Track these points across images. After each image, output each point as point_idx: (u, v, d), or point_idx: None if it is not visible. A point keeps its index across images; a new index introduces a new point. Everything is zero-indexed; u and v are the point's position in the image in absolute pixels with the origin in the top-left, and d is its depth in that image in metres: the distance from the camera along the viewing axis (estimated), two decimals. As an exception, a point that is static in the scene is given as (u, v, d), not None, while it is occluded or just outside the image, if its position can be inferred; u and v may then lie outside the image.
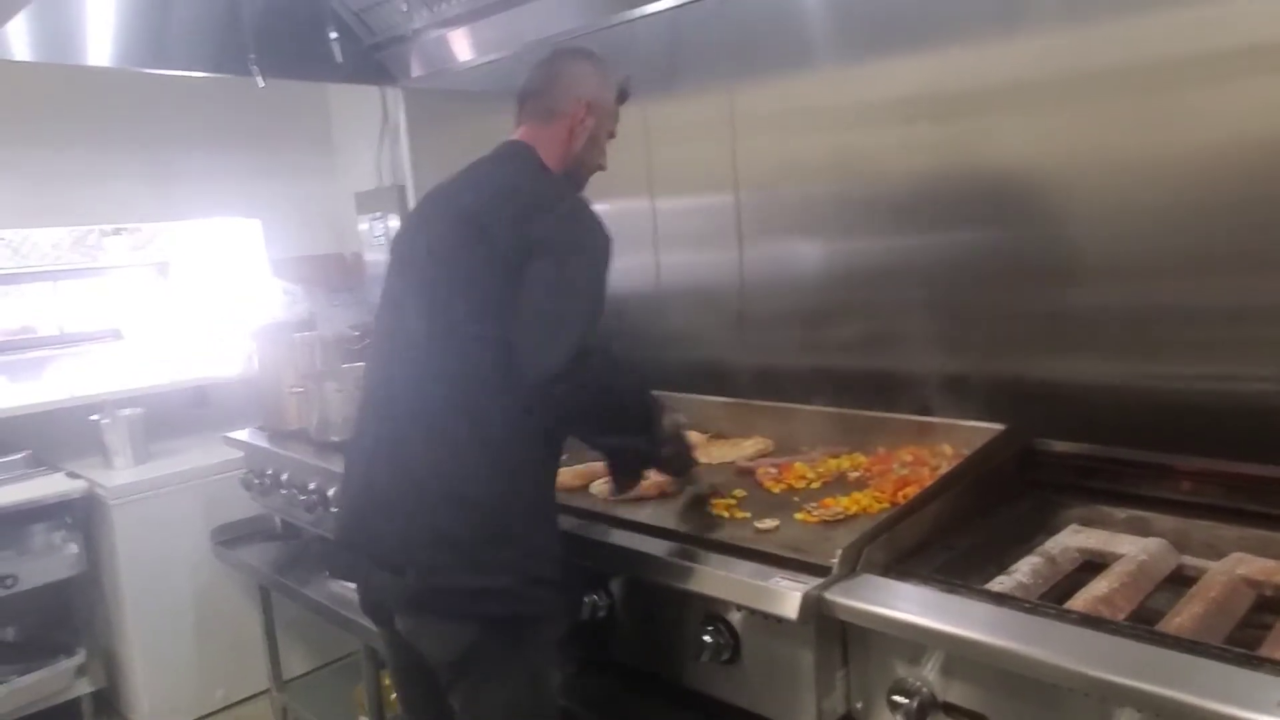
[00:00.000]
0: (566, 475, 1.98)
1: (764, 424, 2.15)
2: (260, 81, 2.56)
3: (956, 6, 1.87)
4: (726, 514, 1.66)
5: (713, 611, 1.40)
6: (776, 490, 1.78)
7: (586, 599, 1.57)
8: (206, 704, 2.97)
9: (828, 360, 2.20)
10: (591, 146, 1.71)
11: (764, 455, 2.02)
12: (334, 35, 2.44)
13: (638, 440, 1.58)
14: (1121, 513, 1.63)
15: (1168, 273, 1.67)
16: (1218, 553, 1.49)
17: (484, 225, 1.52)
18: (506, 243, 1.48)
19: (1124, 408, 1.72)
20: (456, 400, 1.49)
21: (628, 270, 2.65)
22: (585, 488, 1.89)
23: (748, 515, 1.64)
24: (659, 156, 2.53)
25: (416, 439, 1.51)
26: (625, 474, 1.64)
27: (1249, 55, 1.54)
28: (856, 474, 1.82)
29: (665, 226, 2.56)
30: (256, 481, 2.62)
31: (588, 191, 1.73)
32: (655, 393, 1.63)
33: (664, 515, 1.67)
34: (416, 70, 3.23)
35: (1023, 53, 1.79)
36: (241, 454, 2.75)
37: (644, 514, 1.68)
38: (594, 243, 1.53)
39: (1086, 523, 1.64)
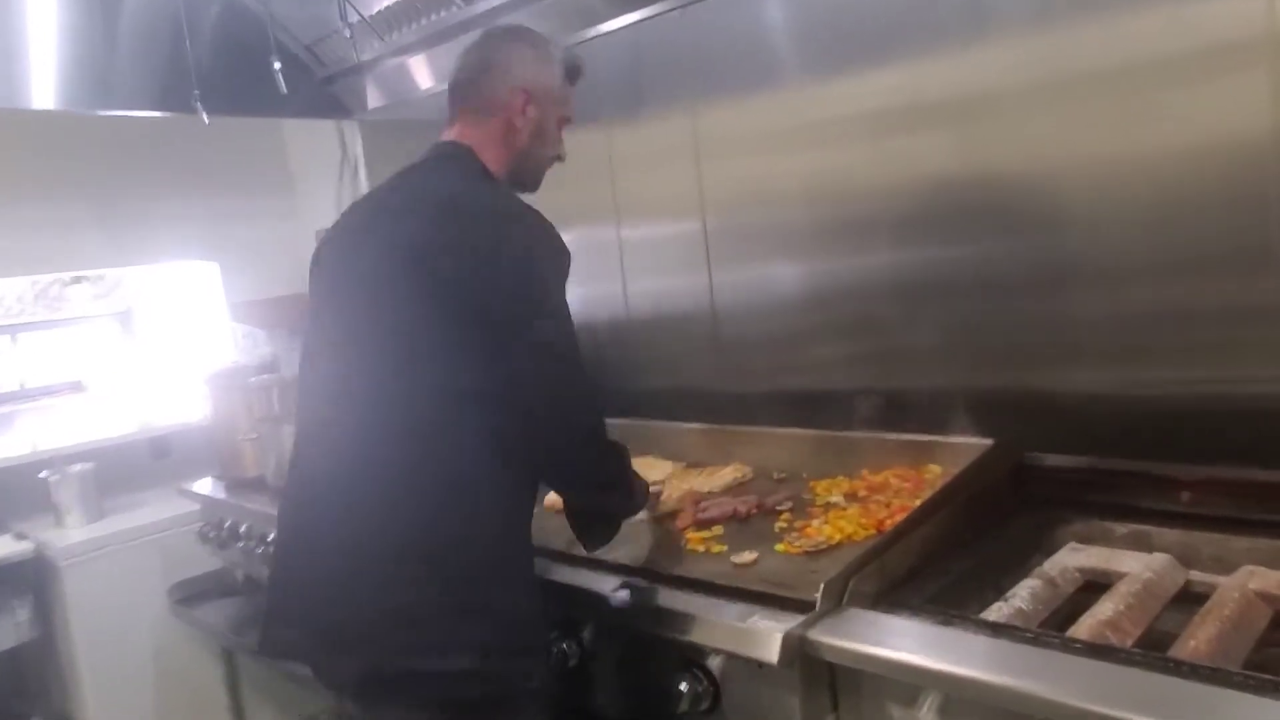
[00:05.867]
0: (554, 498, 1.87)
1: (742, 450, 2.05)
2: (205, 118, 2.46)
3: (925, 16, 1.79)
4: (702, 548, 1.55)
5: (689, 657, 1.29)
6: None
7: (554, 648, 1.45)
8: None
9: (806, 382, 2.10)
10: (539, 139, 1.50)
11: (741, 484, 1.92)
12: (277, 66, 2.35)
13: (614, 496, 1.46)
14: (1122, 528, 1.53)
15: (1157, 276, 1.58)
16: (1227, 566, 1.39)
17: (430, 262, 1.31)
18: (458, 285, 1.30)
19: (1119, 416, 1.63)
20: (417, 457, 1.30)
21: (596, 299, 2.58)
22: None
23: (724, 548, 1.53)
24: (623, 182, 2.45)
25: (372, 501, 1.30)
26: (599, 533, 1.48)
27: (1223, 53, 1.46)
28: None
29: (632, 254, 2.47)
30: (213, 534, 2.49)
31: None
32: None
33: (635, 552, 1.56)
34: (373, 102, 3.15)
35: (996, 59, 1.71)
36: (198, 506, 2.62)
37: (614, 552, 1.56)
38: (557, 289, 1.37)
39: (1085, 540, 1.54)
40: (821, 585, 1.23)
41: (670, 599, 1.35)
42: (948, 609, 1.27)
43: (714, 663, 1.27)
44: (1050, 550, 1.53)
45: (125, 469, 3.12)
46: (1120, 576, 1.40)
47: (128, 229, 3.43)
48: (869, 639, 1.16)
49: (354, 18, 2.48)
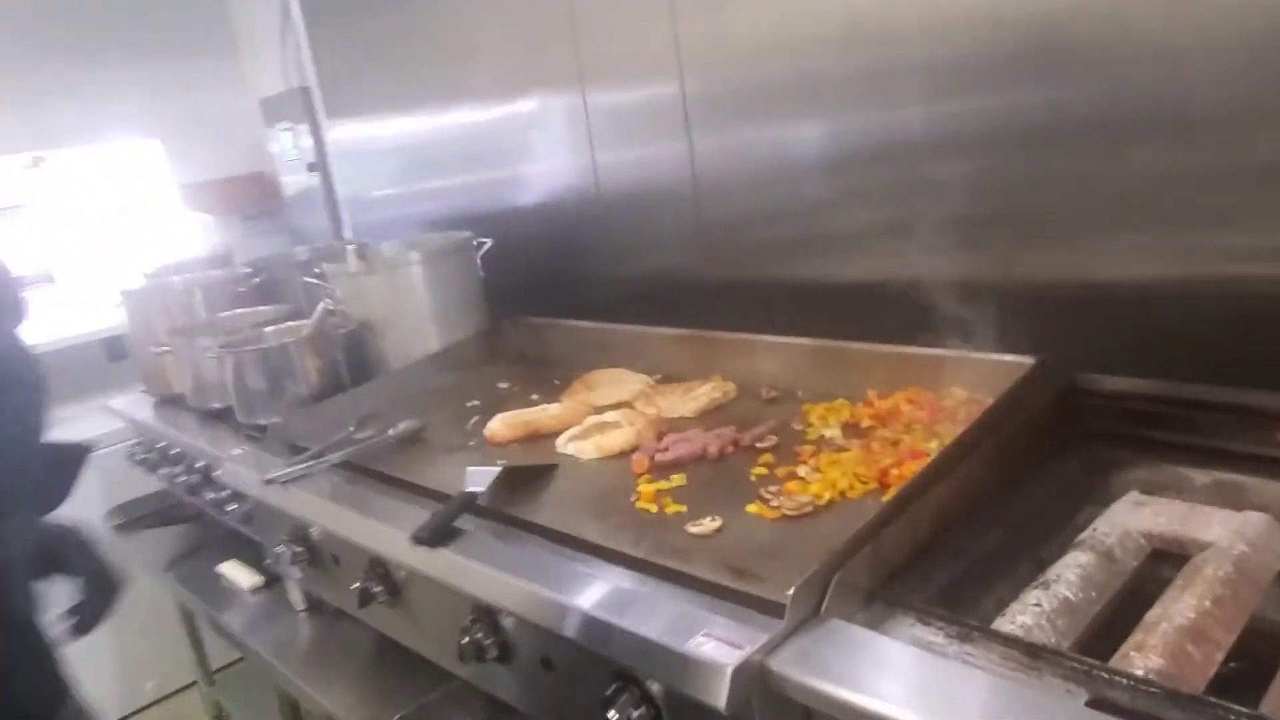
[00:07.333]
0: (499, 426, 1.57)
1: (726, 361, 1.69)
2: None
3: None
4: (654, 506, 1.22)
5: (621, 670, 0.98)
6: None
7: (466, 639, 1.14)
8: (137, 698, 2.65)
9: (801, 270, 1.73)
10: None
11: (722, 405, 1.57)
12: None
13: None
14: (1203, 476, 1.17)
15: (1258, 123, 1.16)
16: (1348, 532, 1.04)
17: None
18: None
19: (1200, 321, 1.24)
20: None
21: (561, 174, 2.18)
22: (523, 441, 1.53)
23: (683, 508, 1.20)
24: (587, 40, 2.00)
25: None
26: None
27: None
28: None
29: (600, 121, 2.04)
30: (143, 456, 2.22)
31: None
32: None
33: (564, 509, 1.24)
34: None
35: None
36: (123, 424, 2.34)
37: (531, 509, 1.25)
38: None
39: (1152, 489, 1.19)
40: (792, 589, 0.90)
41: (586, 590, 1.02)
42: (965, 613, 0.94)
43: (654, 685, 0.95)
44: (1105, 500, 1.18)
45: (78, 373, 2.85)
46: (1202, 547, 1.05)
47: (56, 105, 3.05)
48: (851, 675, 0.83)
49: None
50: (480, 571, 1.14)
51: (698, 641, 0.88)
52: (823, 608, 0.92)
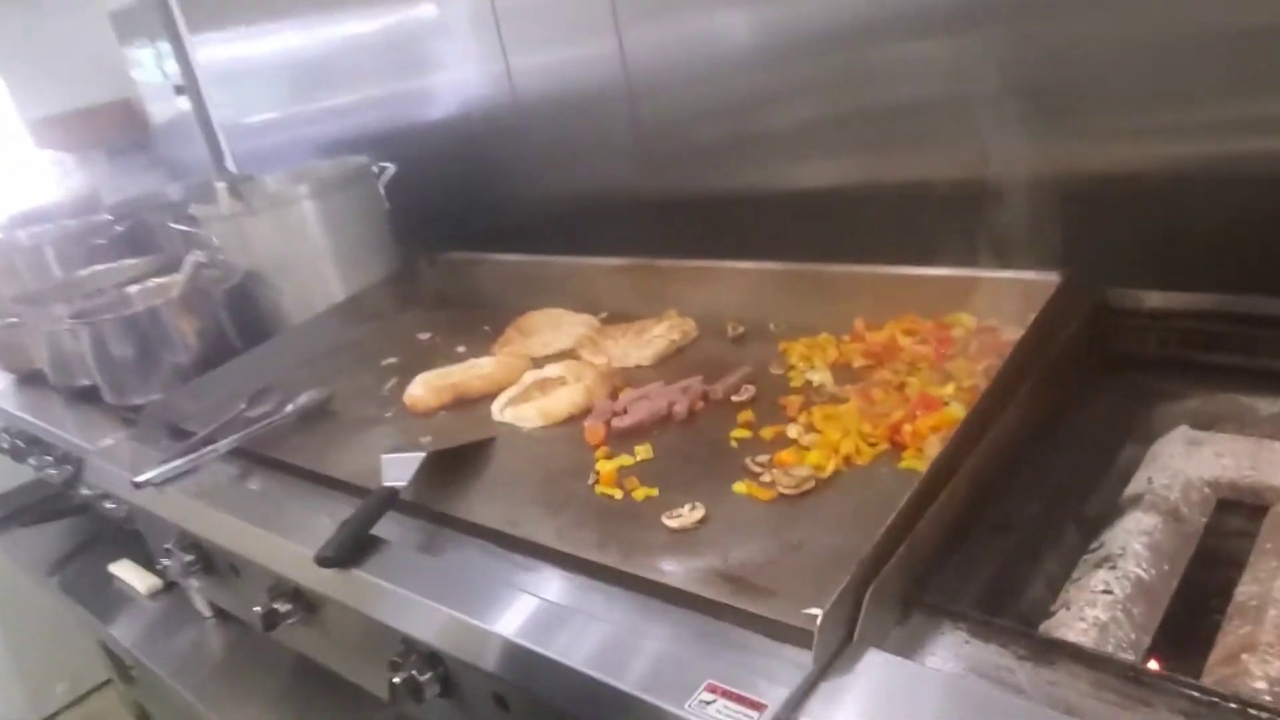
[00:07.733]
0: (422, 390, 1.32)
1: (680, 293, 1.46)
2: None
3: None
4: (618, 492, 0.99)
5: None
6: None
7: (398, 677, 0.92)
8: (48, 702, 2.39)
9: (762, 178, 1.48)
10: None
11: (682, 349, 1.34)
12: None
13: None
14: (1269, 404, 0.99)
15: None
16: None
17: None
18: None
19: (1252, 214, 1.04)
20: None
21: (470, 84, 1.87)
22: (450, 407, 1.30)
23: (654, 492, 0.97)
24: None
25: None
26: None
27: None
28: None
29: (513, 22, 1.73)
30: (7, 445, 1.90)
31: None
32: None
33: (508, 501, 1.01)
34: None
35: None
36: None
37: (475, 504, 1.01)
38: None
39: (1206, 423, 1.00)
40: (819, 615, 0.68)
41: (536, 616, 0.79)
42: (1018, 607, 0.75)
43: (638, 741, 0.74)
44: (1148, 437, 0.99)
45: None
46: (1280, 494, 0.88)
47: None
48: (911, 735, 0.62)
49: None
50: (401, 596, 0.90)
51: (701, 699, 0.66)
52: (855, 633, 0.71)
